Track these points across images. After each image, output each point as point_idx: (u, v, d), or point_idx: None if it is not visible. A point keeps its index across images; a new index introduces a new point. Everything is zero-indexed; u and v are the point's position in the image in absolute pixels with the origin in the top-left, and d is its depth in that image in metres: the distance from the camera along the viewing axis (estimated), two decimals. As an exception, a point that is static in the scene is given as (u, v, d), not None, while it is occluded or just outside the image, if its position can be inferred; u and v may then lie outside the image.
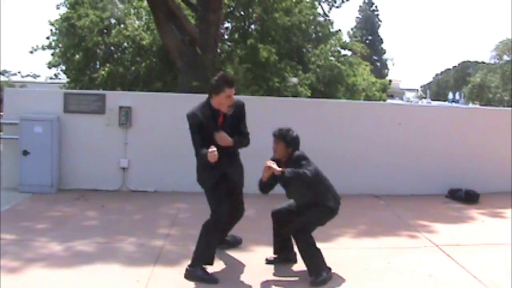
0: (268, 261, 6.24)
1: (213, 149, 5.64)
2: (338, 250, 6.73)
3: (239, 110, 6.14)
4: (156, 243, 6.97)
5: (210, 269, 5.80)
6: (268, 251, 6.30)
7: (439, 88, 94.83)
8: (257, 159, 9.47)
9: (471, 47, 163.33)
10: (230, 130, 6.01)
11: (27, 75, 57.43)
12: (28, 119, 9.64)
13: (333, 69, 26.32)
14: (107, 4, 25.00)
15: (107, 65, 24.20)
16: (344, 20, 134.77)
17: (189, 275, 5.71)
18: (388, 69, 77.33)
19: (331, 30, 29.94)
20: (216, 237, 5.90)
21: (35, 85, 45.85)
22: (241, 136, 6.20)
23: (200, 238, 5.82)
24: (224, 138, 5.90)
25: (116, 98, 10.29)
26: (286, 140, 5.99)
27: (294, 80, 23.72)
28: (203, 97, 11.19)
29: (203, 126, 5.98)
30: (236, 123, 6.12)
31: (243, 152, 9.79)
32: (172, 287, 5.53)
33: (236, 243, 6.77)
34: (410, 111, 11.64)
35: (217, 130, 5.92)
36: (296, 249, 5.97)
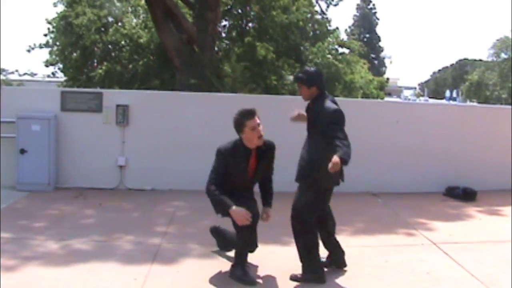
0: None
1: (247, 215, 5.43)
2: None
3: (271, 152, 5.93)
4: (154, 241, 6.97)
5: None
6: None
7: (437, 86, 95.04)
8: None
9: (469, 45, 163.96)
10: (260, 173, 5.85)
11: (25, 74, 57.49)
12: (25, 118, 9.63)
13: (331, 67, 26.29)
14: (105, 2, 24.98)
15: (105, 63, 24.18)
16: (341, 18, 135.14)
17: (230, 273, 5.73)
18: (385, 67, 77.45)
19: (329, 28, 29.91)
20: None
21: (32, 83, 45.90)
22: (268, 190, 6.01)
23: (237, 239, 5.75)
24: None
25: (113, 97, 10.28)
26: (305, 81, 5.75)
27: (292, 78, 23.69)
28: (200, 95, 11.26)
29: (230, 164, 5.74)
30: (265, 165, 5.89)
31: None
32: (170, 286, 5.53)
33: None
34: (408, 109, 11.65)
35: (246, 173, 5.74)
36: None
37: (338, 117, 5.47)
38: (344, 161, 5.09)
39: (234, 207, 5.43)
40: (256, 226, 5.66)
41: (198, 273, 5.85)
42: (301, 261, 5.74)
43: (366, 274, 5.96)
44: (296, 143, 8.84)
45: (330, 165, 5.03)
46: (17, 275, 5.56)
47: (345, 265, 6.06)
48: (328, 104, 5.61)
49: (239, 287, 5.52)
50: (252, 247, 5.80)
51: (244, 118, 5.77)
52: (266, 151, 5.83)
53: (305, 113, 5.92)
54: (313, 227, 5.72)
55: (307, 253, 5.70)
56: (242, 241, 5.64)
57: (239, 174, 5.70)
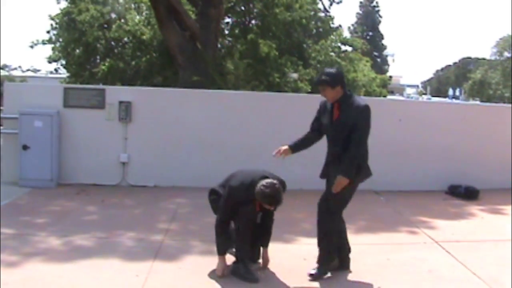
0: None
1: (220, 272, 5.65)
2: (338, 245, 6.72)
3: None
4: (156, 238, 6.97)
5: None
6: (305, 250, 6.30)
7: (440, 84, 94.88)
8: (258, 153, 9.50)
9: (472, 44, 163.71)
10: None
11: (28, 70, 57.55)
12: (28, 114, 9.63)
13: (333, 64, 26.24)
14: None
15: (108, 60, 24.21)
16: (344, 15, 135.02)
17: (232, 270, 5.75)
18: (388, 65, 77.28)
19: (332, 25, 29.93)
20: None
21: (35, 79, 45.83)
22: (268, 229, 5.94)
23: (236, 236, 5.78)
24: None
25: (116, 93, 10.28)
26: (329, 82, 5.66)
27: (294, 75, 23.71)
28: (203, 92, 11.26)
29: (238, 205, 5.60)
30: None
31: (241, 147, 9.83)
32: (171, 282, 5.52)
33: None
34: (411, 107, 11.64)
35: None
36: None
37: (368, 113, 5.69)
38: (348, 177, 5.53)
39: (220, 258, 5.68)
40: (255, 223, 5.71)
41: (200, 269, 5.84)
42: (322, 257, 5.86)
43: (368, 272, 5.95)
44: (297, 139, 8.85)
45: (333, 187, 5.52)
46: (19, 271, 5.57)
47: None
48: (358, 100, 5.77)
49: (241, 284, 5.52)
50: (252, 245, 5.84)
51: (264, 201, 5.42)
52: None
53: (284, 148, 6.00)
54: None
55: (332, 249, 5.86)
56: (240, 238, 5.65)
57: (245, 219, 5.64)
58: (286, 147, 6.04)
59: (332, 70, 5.91)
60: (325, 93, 5.72)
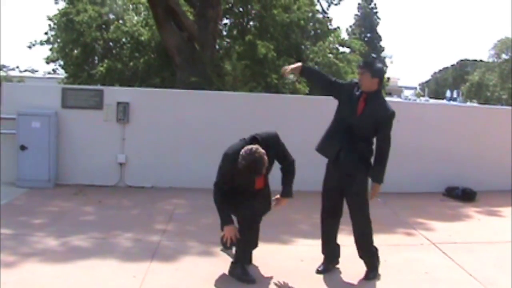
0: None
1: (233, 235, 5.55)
2: (335, 247, 6.73)
3: (276, 146, 5.80)
4: (153, 238, 6.97)
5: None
6: (303, 250, 6.30)
7: (438, 86, 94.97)
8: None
9: (470, 46, 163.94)
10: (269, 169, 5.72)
11: (25, 70, 57.54)
12: (25, 114, 9.62)
13: (332, 66, 26.27)
14: (106, -1, 25.01)
15: (106, 60, 24.16)
16: (343, 17, 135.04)
17: (230, 271, 5.74)
18: (386, 66, 77.19)
19: (330, 27, 29.90)
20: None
21: (33, 80, 45.84)
22: (288, 172, 5.94)
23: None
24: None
25: (114, 94, 10.27)
26: (372, 70, 5.61)
27: (292, 77, 23.69)
28: (201, 93, 11.27)
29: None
30: (276, 157, 5.81)
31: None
32: (169, 283, 5.53)
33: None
34: (408, 109, 11.64)
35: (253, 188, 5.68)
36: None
37: (393, 119, 5.74)
38: (381, 182, 5.82)
39: (226, 226, 5.54)
40: (257, 225, 5.69)
41: (197, 270, 5.86)
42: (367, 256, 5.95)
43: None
44: (296, 141, 8.87)
45: (372, 195, 5.80)
46: (16, 271, 5.57)
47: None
48: (388, 104, 5.79)
49: (238, 285, 5.53)
50: (251, 247, 5.82)
51: (243, 170, 5.33)
52: (270, 148, 5.63)
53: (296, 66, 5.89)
54: None
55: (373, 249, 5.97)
56: (242, 240, 5.64)
57: (245, 186, 5.63)
58: (299, 64, 5.94)
59: (378, 63, 5.97)
60: (362, 78, 5.63)
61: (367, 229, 5.89)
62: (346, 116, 5.70)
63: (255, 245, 5.86)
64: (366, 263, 5.93)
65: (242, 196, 5.58)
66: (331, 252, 6.10)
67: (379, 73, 5.67)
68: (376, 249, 5.98)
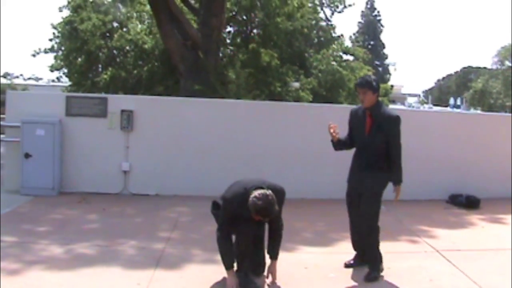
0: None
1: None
2: (338, 254, 6.72)
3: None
4: (157, 246, 6.98)
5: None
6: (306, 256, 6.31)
7: (441, 93, 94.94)
8: (259, 162, 9.53)
9: (473, 53, 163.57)
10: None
11: (29, 78, 57.36)
12: (30, 122, 9.66)
13: (335, 74, 26.23)
14: (110, 7, 25.03)
15: (109, 68, 24.20)
16: (346, 25, 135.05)
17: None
18: (390, 74, 77.32)
19: (333, 35, 29.90)
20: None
21: (37, 88, 45.84)
22: (277, 232, 5.84)
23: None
24: None
25: (118, 102, 10.31)
26: (373, 87, 5.93)
27: (296, 84, 23.69)
28: (205, 101, 11.30)
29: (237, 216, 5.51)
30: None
31: (243, 156, 9.83)
32: (173, 291, 5.54)
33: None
34: (412, 117, 11.64)
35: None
36: None
37: (400, 123, 6.04)
38: (401, 183, 6.18)
39: (229, 272, 5.53)
40: (260, 244, 5.76)
41: (201, 278, 5.86)
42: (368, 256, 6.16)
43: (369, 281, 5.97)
44: (299, 148, 8.88)
45: (396, 197, 6.20)
46: (20, 279, 5.58)
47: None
48: (391, 110, 6.31)
49: (242, 293, 5.53)
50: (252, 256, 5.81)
51: (255, 213, 5.27)
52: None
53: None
54: None
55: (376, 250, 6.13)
56: (239, 251, 5.65)
57: (247, 228, 5.57)
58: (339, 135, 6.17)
59: (373, 76, 6.20)
60: (365, 96, 5.95)
61: (373, 225, 6.10)
62: (360, 137, 6.08)
63: (273, 253, 5.83)
64: (368, 264, 6.12)
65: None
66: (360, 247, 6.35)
67: (378, 88, 6.05)
68: (380, 255, 6.08)
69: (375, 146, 5.98)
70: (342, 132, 6.19)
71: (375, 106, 5.97)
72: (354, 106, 6.54)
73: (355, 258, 6.38)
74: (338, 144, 6.21)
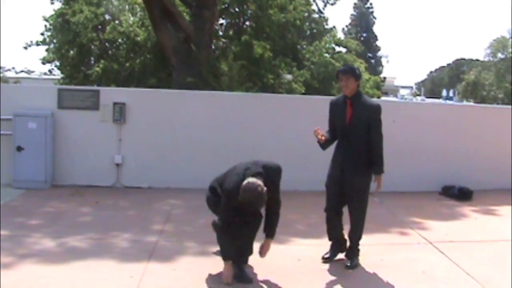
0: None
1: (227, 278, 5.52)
2: (332, 246, 6.74)
3: (276, 178, 5.74)
4: (150, 239, 6.97)
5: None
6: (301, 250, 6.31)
7: (434, 85, 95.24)
8: (252, 154, 9.50)
9: (466, 45, 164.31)
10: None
11: (21, 71, 57.29)
12: (22, 115, 9.61)
13: (328, 66, 26.28)
14: (102, 0, 24.95)
15: (102, 61, 24.14)
16: (339, 17, 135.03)
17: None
18: (382, 66, 77.63)
19: (326, 27, 29.96)
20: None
21: (29, 81, 45.75)
22: (274, 212, 5.82)
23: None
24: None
25: (110, 94, 10.26)
26: (355, 74, 5.97)
27: (289, 77, 23.71)
28: (197, 94, 11.27)
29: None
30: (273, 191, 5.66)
31: (236, 148, 9.82)
32: (166, 283, 5.53)
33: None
34: (405, 108, 11.69)
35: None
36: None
37: (381, 112, 6.03)
38: (382, 172, 6.12)
39: (226, 264, 5.53)
40: (250, 238, 5.74)
41: (194, 271, 5.86)
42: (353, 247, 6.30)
43: (362, 273, 5.99)
44: (291, 140, 8.88)
45: (378, 187, 6.09)
46: (13, 272, 5.57)
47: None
48: (369, 99, 6.33)
49: (235, 285, 5.53)
50: (244, 257, 5.79)
51: (244, 205, 5.29)
52: (272, 183, 5.59)
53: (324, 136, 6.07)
54: None
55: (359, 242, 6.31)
56: (239, 241, 5.64)
57: (248, 215, 5.55)
58: (326, 136, 6.12)
59: (356, 65, 6.26)
60: (348, 83, 5.97)
61: (361, 222, 6.23)
62: (341, 127, 6.04)
63: (250, 251, 5.85)
64: (350, 251, 6.28)
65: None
66: (336, 239, 6.38)
67: (360, 76, 6.13)
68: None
69: (356, 135, 5.97)
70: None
71: (356, 95, 5.99)
72: (333, 97, 6.51)
73: (331, 250, 6.39)
74: (325, 144, 6.16)
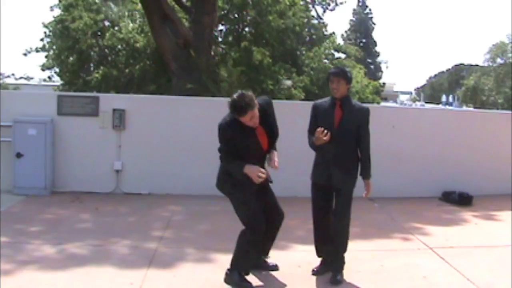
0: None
1: (260, 171, 5.35)
2: (332, 252, 6.73)
3: (269, 109, 5.87)
4: (150, 245, 6.96)
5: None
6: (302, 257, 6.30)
7: (433, 91, 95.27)
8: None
9: (465, 50, 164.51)
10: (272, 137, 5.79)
11: (21, 77, 57.23)
12: (21, 122, 9.61)
13: (327, 71, 26.29)
14: (101, 6, 25.00)
15: (101, 67, 24.19)
16: (338, 23, 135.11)
17: (226, 278, 5.68)
18: (382, 72, 77.52)
19: (325, 32, 30.04)
20: (251, 248, 5.59)
21: (28, 87, 45.77)
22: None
23: (237, 246, 5.62)
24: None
25: (110, 101, 10.26)
26: (347, 77, 5.92)
27: (288, 82, 23.75)
28: (197, 100, 11.27)
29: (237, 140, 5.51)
30: (270, 123, 5.81)
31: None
32: (166, 290, 5.53)
33: (272, 268, 6.12)
34: (404, 114, 11.68)
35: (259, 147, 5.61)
36: None
37: (369, 115, 5.99)
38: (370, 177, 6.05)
39: (247, 166, 5.35)
40: (262, 229, 5.59)
41: (194, 277, 5.85)
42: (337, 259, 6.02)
43: (362, 279, 5.96)
44: (291, 146, 8.87)
45: (367, 192, 6.04)
46: (13, 279, 5.55)
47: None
48: (358, 102, 6.25)
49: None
50: (251, 254, 5.74)
51: (235, 114, 5.44)
52: (265, 112, 5.67)
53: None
54: None
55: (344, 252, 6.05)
56: (242, 245, 5.61)
57: (252, 150, 5.53)
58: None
59: (348, 69, 6.22)
60: (338, 86, 5.89)
61: (346, 232, 6.02)
62: (329, 130, 5.78)
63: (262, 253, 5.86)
64: (335, 265, 5.99)
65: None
66: (326, 254, 6.18)
67: (352, 79, 6.09)
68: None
69: (344, 139, 5.85)
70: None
71: (346, 98, 5.94)
72: (317, 100, 6.41)
73: (321, 264, 6.21)
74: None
